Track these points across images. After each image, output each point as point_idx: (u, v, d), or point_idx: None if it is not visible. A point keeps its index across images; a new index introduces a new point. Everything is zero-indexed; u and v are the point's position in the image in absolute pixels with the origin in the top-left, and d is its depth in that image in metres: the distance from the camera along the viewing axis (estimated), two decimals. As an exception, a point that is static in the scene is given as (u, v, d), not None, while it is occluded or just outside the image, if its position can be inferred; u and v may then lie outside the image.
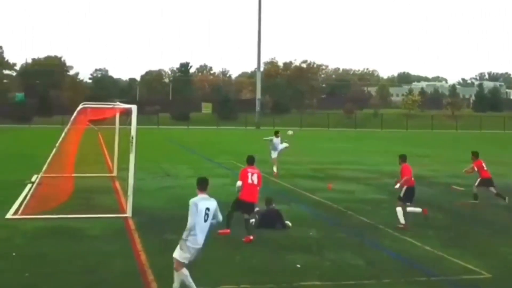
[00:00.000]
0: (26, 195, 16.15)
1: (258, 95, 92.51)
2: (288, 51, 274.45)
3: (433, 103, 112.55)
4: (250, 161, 13.00)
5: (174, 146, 43.29)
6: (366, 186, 21.04)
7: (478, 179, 17.57)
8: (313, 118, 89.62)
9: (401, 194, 14.06)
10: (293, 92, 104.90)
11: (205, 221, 8.27)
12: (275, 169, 23.78)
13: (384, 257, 11.20)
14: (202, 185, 8.60)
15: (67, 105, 67.48)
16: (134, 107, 15.00)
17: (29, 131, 61.38)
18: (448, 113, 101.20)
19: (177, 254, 8.26)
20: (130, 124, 14.83)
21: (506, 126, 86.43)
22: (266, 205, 13.77)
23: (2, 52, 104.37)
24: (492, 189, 17.53)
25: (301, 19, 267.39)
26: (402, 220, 13.65)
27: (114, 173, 21.99)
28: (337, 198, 17.83)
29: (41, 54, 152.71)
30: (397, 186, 14.17)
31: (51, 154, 16.04)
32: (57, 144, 16.10)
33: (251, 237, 12.11)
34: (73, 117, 16.87)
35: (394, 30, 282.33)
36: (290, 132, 25.44)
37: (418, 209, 14.09)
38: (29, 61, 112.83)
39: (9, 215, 14.16)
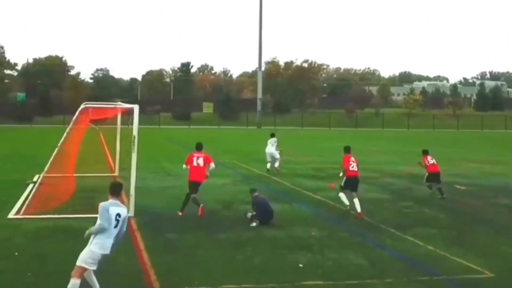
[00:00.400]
0: (28, 195, 16.15)
1: (259, 94, 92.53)
2: (289, 50, 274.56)
3: (435, 103, 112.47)
4: (198, 147, 15.22)
5: (175, 145, 43.27)
6: (368, 186, 20.95)
7: (426, 174, 18.95)
8: (314, 118, 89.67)
9: (342, 184, 15.50)
10: (294, 92, 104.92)
11: (115, 227, 7.97)
12: (277, 165, 24.55)
13: (386, 257, 11.18)
14: (115, 190, 8.25)
15: (68, 105, 67.62)
16: (136, 107, 15.00)
17: (30, 131, 61.43)
18: (449, 112, 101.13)
19: (81, 260, 7.94)
20: (131, 124, 14.82)
21: (507, 125, 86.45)
22: (251, 194, 14.38)
23: (3, 52, 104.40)
24: (437, 185, 18.55)
25: (302, 18, 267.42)
26: (346, 202, 15.31)
27: (116, 173, 21.98)
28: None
29: (42, 54, 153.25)
30: (341, 174, 15.81)
31: (53, 154, 16.04)
32: (58, 144, 16.09)
33: (202, 209, 14.17)
34: (74, 116, 16.86)
35: (395, 29, 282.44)
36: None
37: (347, 202, 15.16)
38: (30, 61, 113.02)
39: (11, 215, 14.15)
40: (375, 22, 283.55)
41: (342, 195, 15.36)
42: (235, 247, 11.52)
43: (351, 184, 15.18)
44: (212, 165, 14.70)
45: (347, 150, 16.00)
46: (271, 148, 25.04)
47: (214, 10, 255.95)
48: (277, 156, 24.79)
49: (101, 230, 7.93)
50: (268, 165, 24.72)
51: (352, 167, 15.25)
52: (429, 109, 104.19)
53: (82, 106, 17.08)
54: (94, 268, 8.00)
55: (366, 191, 19.72)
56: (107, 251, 7.98)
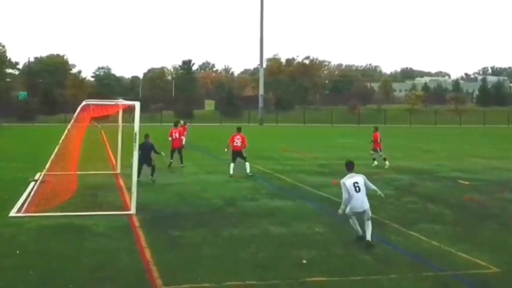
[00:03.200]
0: (30, 193, 16.08)
1: (261, 91, 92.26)
2: (290, 47, 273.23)
3: (437, 98, 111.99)
4: (175, 124, 25.58)
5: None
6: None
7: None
8: (317, 114, 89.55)
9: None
10: (296, 89, 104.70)
11: None
12: None
13: (391, 252, 11.11)
14: None
15: (70, 103, 67.62)
16: (137, 104, 14.93)
17: (33, 130, 61.41)
18: (451, 108, 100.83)
19: None
20: (133, 121, 14.75)
21: (510, 120, 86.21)
22: (144, 138, 18.31)
23: (5, 51, 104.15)
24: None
25: (304, 15, 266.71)
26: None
27: (118, 170, 21.93)
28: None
29: (43, 52, 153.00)
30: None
31: (54, 152, 15.97)
32: (60, 142, 16.02)
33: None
34: (75, 114, 16.75)
35: (397, 25, 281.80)
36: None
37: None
38: (32, 59, 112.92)
39: (12, 213, 14.10)
40: (376, 18, 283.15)
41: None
42: (238, 244, 11.44)
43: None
44: (183, 137, 24.99)
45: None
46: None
47: (215, 7, 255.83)
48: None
49: None
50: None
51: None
52: (431, 105, 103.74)
53: (83, 103, 16.96)
54: None
55: (369, 187, 19.62)
56: None
